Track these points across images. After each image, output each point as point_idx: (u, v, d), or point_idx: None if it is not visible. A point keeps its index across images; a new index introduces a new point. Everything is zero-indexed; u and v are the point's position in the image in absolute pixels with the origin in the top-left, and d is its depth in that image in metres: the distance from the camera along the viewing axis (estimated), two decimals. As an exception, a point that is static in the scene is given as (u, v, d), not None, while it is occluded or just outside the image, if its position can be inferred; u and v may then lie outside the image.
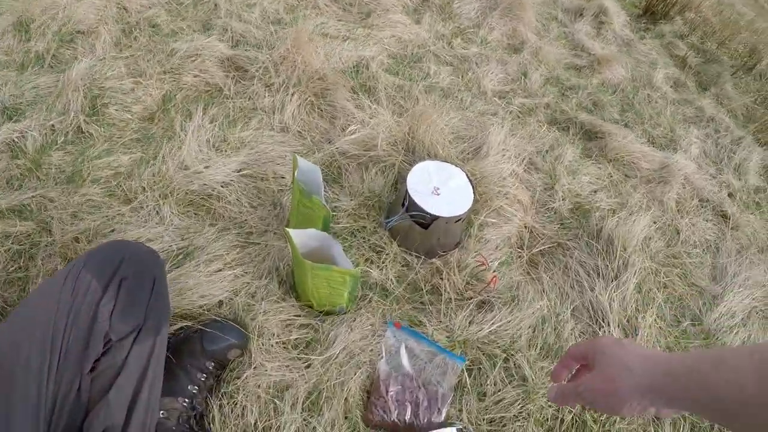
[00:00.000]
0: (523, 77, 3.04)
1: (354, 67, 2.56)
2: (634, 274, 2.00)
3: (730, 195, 2.74)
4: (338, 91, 2.29)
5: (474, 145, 2.30)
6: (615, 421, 1.65)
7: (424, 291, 1.76)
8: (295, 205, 1.65)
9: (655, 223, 2.33)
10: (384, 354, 1.57)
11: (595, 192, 2.39)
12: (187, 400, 1.33)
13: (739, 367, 0.55)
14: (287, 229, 1.43)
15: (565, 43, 3.64)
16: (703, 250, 2.38)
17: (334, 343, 1.55)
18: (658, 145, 2.89)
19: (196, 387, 1.36)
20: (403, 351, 1.58)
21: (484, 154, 2.22)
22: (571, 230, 2.19)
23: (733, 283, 2.32)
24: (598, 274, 2.00)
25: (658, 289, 2.09)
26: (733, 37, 4.98)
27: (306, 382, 1.48)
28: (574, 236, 2.16)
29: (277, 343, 1.53)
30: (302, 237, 1.48)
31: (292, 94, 2.23)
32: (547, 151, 2.52)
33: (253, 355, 1.48)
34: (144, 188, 1.81)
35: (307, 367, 1.51)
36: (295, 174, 1.58)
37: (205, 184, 1.86)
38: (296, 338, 1.56)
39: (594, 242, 2.12)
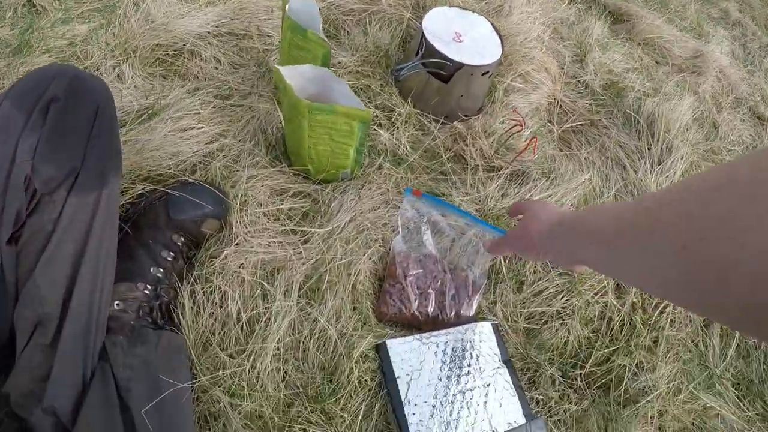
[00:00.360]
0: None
1: None
2: (681, 159, 1.71)
3: (762, 99, 2.47)
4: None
5: (494, 5, 1.97)
6: (662, 327, 1.40)
7: (445, 159, 1.45)
8: (285, 47, 1.31)
9: (692, 113, 2.04)
10: (400, 229, 1.24)
11: (628, 71, 2.09)
12: (149, 286, 1.01)
13: (617, 207, 0.54)
14: (277, 66, 1.10)
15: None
16: (742, 150, 2.10)
17: (337, 213, 1.24)
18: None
19: (161, 270, 1.03)
20: (424, 226, 1.25)
21: (506, 12, 1.90)
22: (605, 108, 1.88)
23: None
24: (641, 156, 1.71)
25: (703, 180, 1.81)
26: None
27: (303, 263, 1.15)
28: (609, 114, 1.85)
29: (265, 214, 1.21)
30: (295, 77, 1.14)
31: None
32: (573, 23, 2.20)
33: (234, 229, 1.16)
34: (102, 49, 1.47)
35: (305, 242, 1.19)
36: (286, 8, 1.24)
37: (175, 37, 1.51)
38: (290, 208, 1.24)
39: (635, 119, 1.81)
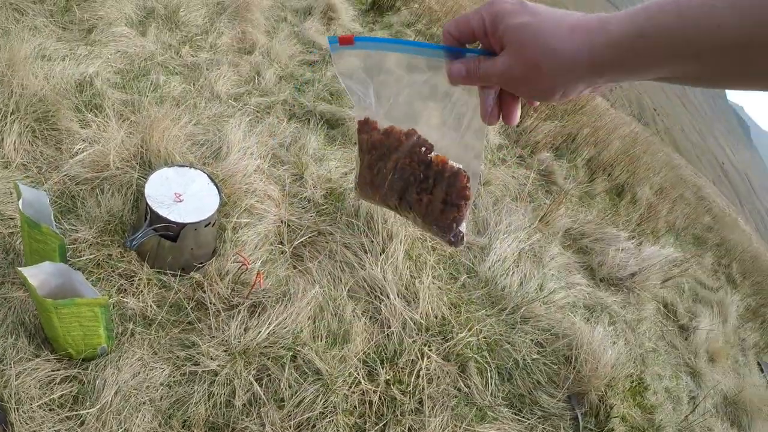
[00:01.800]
0: (257, 77, 2.99)
1: (77, 86, 2.31)
2: (401, 242, 2.04)
3: (475, 156, 2.92)
4: (61, 112, 2.06)
5: (213, 148, 2.21)
6: (423, 387, 1.72)
7: (189, 309, 1.64)
8: (26, 241, 1.46)
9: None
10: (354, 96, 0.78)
11: (346, 174, 2.41)
12: None
13: (713, 7, 0.45)
14: (19, 268, 1.25)
15: (296, 41, 3.66)
16: (459, 208, 2.50)
17: (103, 389, 1.39)
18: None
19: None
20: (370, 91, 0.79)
21: (224, 154, 2.14)
22: (328, 216, 2.18)
23: (497, 231, 2.48)
24: (366, 251, 2.01)
25: (427, 252, 2.15)
26: (456, 20, 5.49)
27: (84, 444, 1.30)
28: (333, 221, 2.15)
29: (39, 406, 1.33)
30: (39, 275, 1.31)
31: (12, 123, 1.95)
32: (290, 144, 2.49)
33: (15, 430, 1.27)
34: None
35: (81, 425, 1.33)
36: (19, 205, 1.39)
37: None
38: (61, 395, 1.37)
39: (354, 222, 2.12)
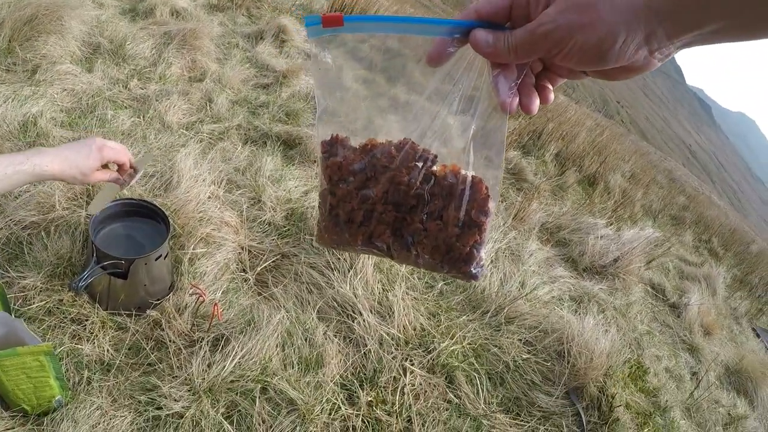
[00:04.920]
0: (208, 104, 2.91)
1: (21, 127, 2.22)
2: (369, 256, 1.96)
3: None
4: (4, 154, 1.95)
5: (164, 179, 2.12)
6: (410, 405, 1.64)
7: (149, 350, 1.54)
8: None
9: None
10: (321, 99, 0.62)
11: (307, 193, 2.34)
12: None
13: None
14: None
15: (249, 66, 3.59)
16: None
17: (60, 450, 1.29)
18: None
19: None
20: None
21: (175, 184, 2.05)
22: (291, 237, 2.10)
23: (471, 235, 2.42)
24: (333, 269, 1.94)
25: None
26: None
27: None
28: (296, 242, 2.07)
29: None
30: None
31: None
32: (246, 168, 2.42)
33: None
34: None
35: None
36: None
37: None
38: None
39: (318, 240, 2.05)
